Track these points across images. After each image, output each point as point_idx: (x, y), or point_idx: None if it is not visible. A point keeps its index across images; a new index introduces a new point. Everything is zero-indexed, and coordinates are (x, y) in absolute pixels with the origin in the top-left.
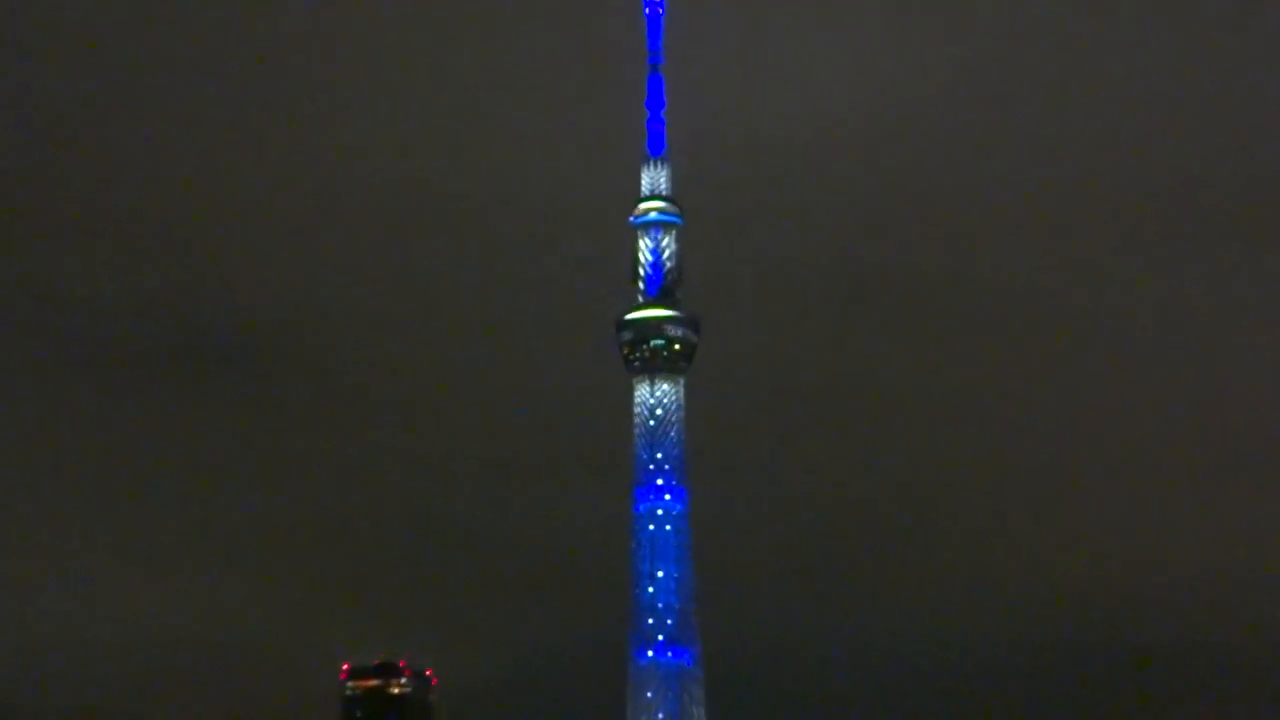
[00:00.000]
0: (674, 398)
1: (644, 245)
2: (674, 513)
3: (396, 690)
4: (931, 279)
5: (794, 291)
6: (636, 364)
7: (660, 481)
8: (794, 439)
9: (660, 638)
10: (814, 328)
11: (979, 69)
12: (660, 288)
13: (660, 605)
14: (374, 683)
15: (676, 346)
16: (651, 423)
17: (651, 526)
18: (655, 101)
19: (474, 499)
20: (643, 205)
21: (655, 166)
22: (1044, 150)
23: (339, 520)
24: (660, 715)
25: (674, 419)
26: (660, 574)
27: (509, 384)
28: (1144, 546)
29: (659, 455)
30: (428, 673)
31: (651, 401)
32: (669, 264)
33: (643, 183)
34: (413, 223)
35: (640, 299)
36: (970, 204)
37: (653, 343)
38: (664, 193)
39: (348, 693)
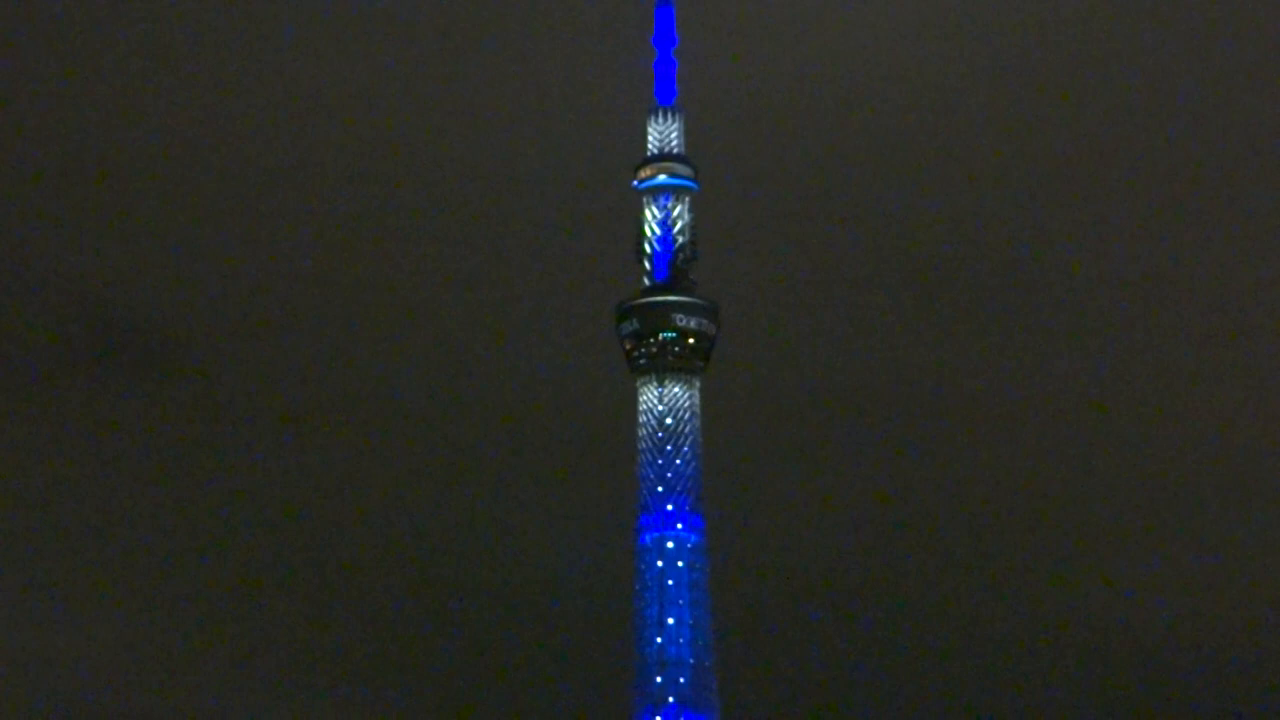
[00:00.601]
0: (688, 404)
1: (650, 215)
2: (688, 545)
3: None
4: (995, 262)
5: (833, 275)
6: (641, 362)
7: (671, 507)
8: (833, 454)
9: (671, 700)
10: (857, 318)
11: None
12: (670, 268)
13: (670, 659)
14: None
15: (691, 340)
16: (660, 435)
17: (660, 563)
18: (664, 39)
19: (441, 528)
20: (649, 166)
21: (664, 118)
22: (1114, 115)
23: (276, 562)
24: None
25: (687, 430)
26: (671, 621)
27: (482, 388)
28: (1244, 571)
29: (669, 475)
30: None
31: (660, 408)
32: (681, 238)
33: (649, 138)
34: (369, 195)
35: (646, 281)
36: (1041, 179)
37: (662, 335)
38: (675, 151)
39: None
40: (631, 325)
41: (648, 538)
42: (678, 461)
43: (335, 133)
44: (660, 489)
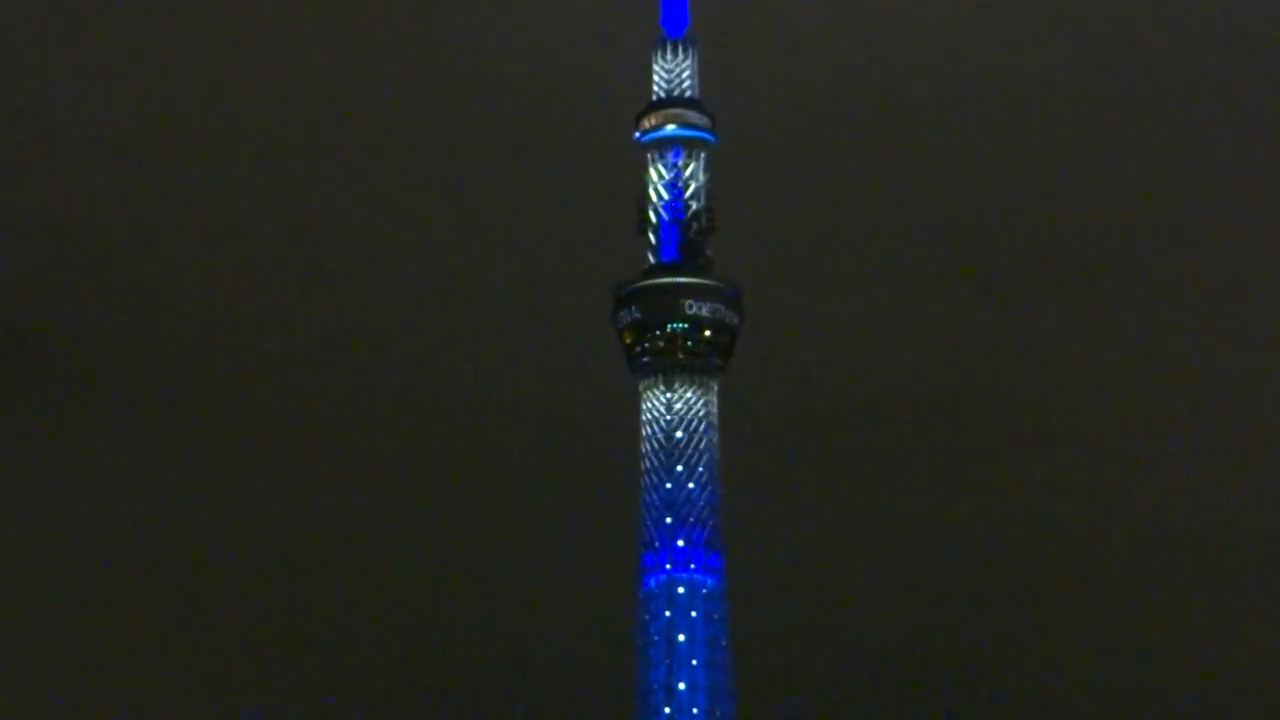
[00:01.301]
0: (702, 413)
1: (656, 175)
2: (703, 591)
3: None
4: (1068, 250)
5: (883, 254)
6: (646, 360)
7: (682, 544)
8: (885, 476)
9: None
10: (913, 310)
11: None
12: (681, 242)
13: None
14: None
15: (706, 333)
16: (668, 452)
17: (668, 613)
18: None
19: (400, 574)
20: (654, 114)
21: (674, 54)
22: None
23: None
24: None
25: (703, 446)
26: (682, 686)
27: (444, 393)
28: None
29: (679, 503)
30: None
31: (668, 419)
32: (694, 205)
33: (655, 78)
34: (314, 148)
35: (650, 259)
36: (1126, 154)
37: (670, 327)
38: (687, 95)
39: None
40: (632, 314)
41: (653, 582)
42: (690, 485)
43: (276, 81)
44: (669, 520)
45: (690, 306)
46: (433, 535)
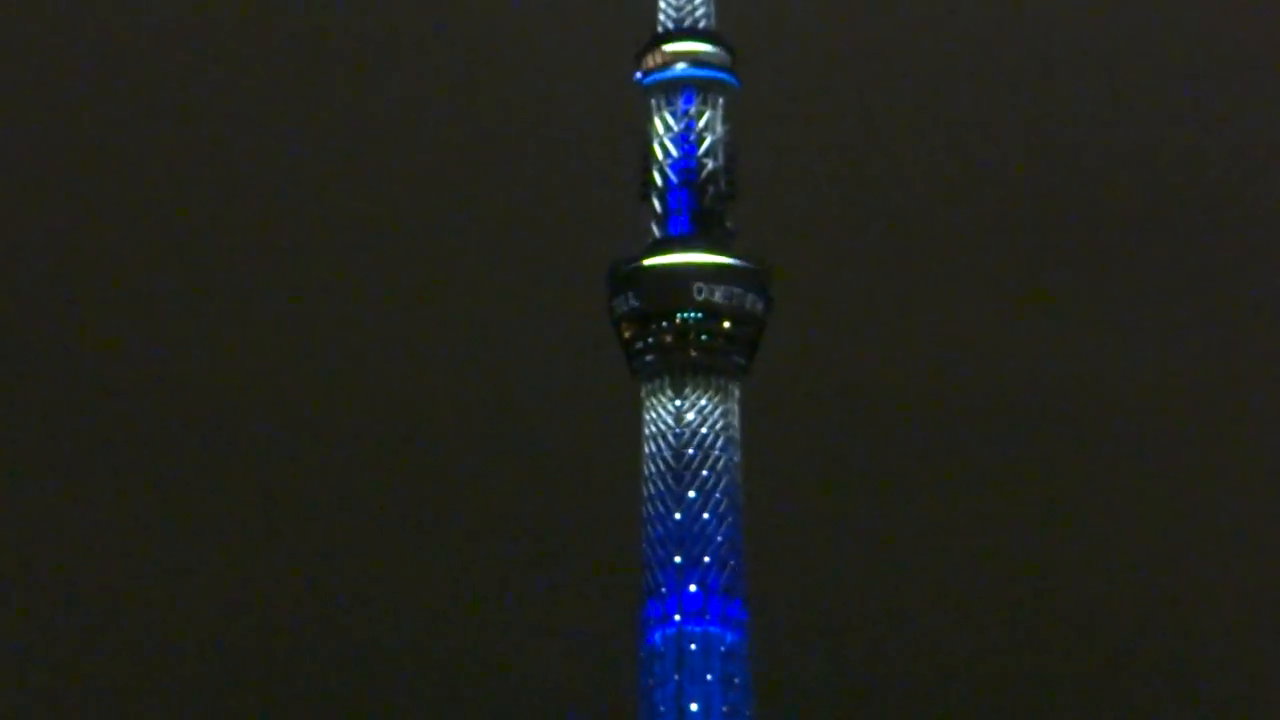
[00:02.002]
0: (720, 425)
1: (662, 127)
2: (720, 648)
3: None
4: (1160, 221)
5: (946, 221)
6: (648, 359)
7: (695, 589)
8: (944, 501)
9: None
10: (982, 293)
11: None
12: (695, 210)
13: None
14: None
15: (726, 324)
16: (678, 474)
17: (677, 676)
18: None
19: (360, 618)
20: (660, 50)
21: None
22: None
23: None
24: None
25: (721, 466)
26: None
27: (402, 396)
28: None
29: (692, 538)
30: None
31: (678, 431)
32: (711, 164)
33: (661, 5)
34: (264, 102)
35: (655, 231)
36: (1223, 103)
37: (680, 317)
38: (701, 25)
39: None
40: (632, 301)
41: (658, 637)
42: (705, 516)
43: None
44: (678, 559)
45: (705, 291)
46: (408, 582)
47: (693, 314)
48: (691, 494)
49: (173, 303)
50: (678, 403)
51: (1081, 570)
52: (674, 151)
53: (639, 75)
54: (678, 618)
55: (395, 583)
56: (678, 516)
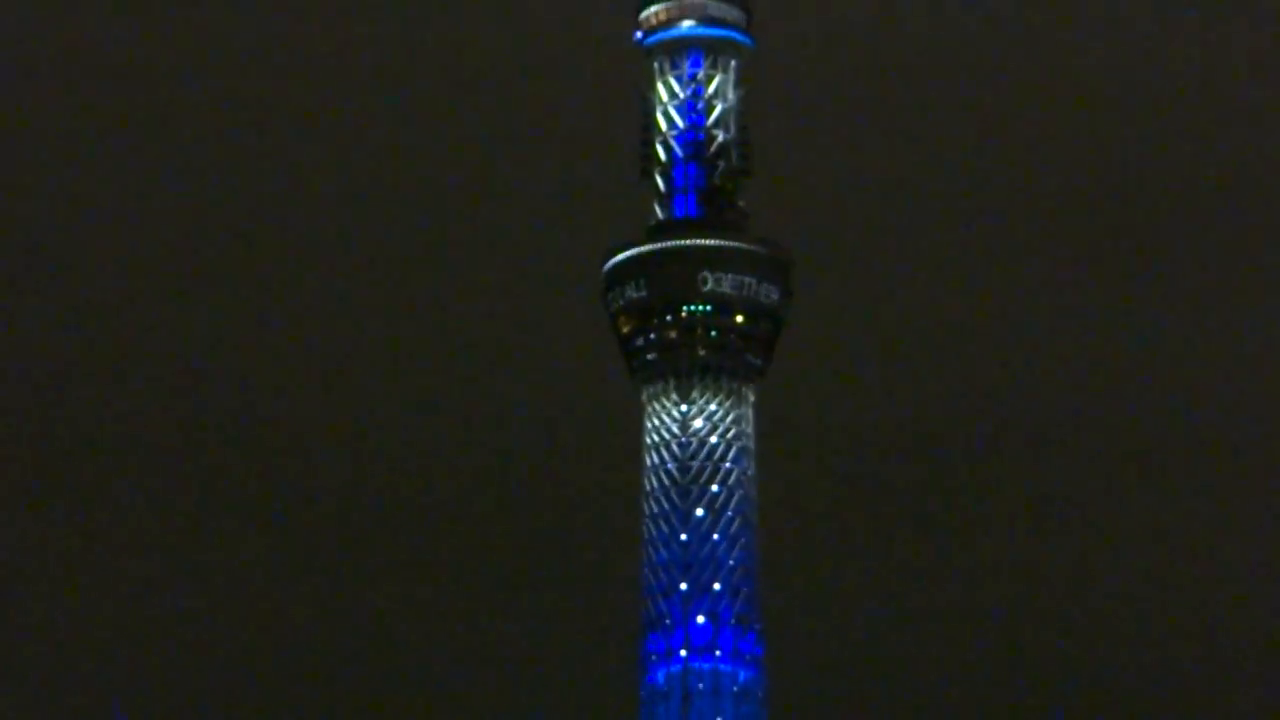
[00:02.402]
0: (732, 433)
1: (666, 93)
2: (733, 687)
3: None
4: (1228, 201)
5: (985, 199)
6: (649, 358)
7: (703, 620)
8: (982, 516)
9: None
10: (1024, 282)
11: None
12: (704, 189)
13: None
14: None
15: (738, 319)
16: (683, 489)
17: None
18: None
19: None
20: (664, 6)
21: None
22: None
23: None
24: None
25: (733, 481)
26: None
27: (369, 402)
28: None
29: (699, 563)
30: None
31: (684, 441)
32: (721, 136)
33: None
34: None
35: (659, 213)
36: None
37: (686, 310)
38: None
39: None
40: (631, 292)
41: (661, 675)
42: (715, 537)
43: None
44: (683, 587)
45: (714, 280)
46: (367, 606)
47: (700, 307)
48: (699, 512)
49: (166, 303)
50: (683, 408)
51: (1122, 601)
52: (679, 121)
53: (639, 34)
54: (684, 653)
55: (361, 623)
56: (683, 538)
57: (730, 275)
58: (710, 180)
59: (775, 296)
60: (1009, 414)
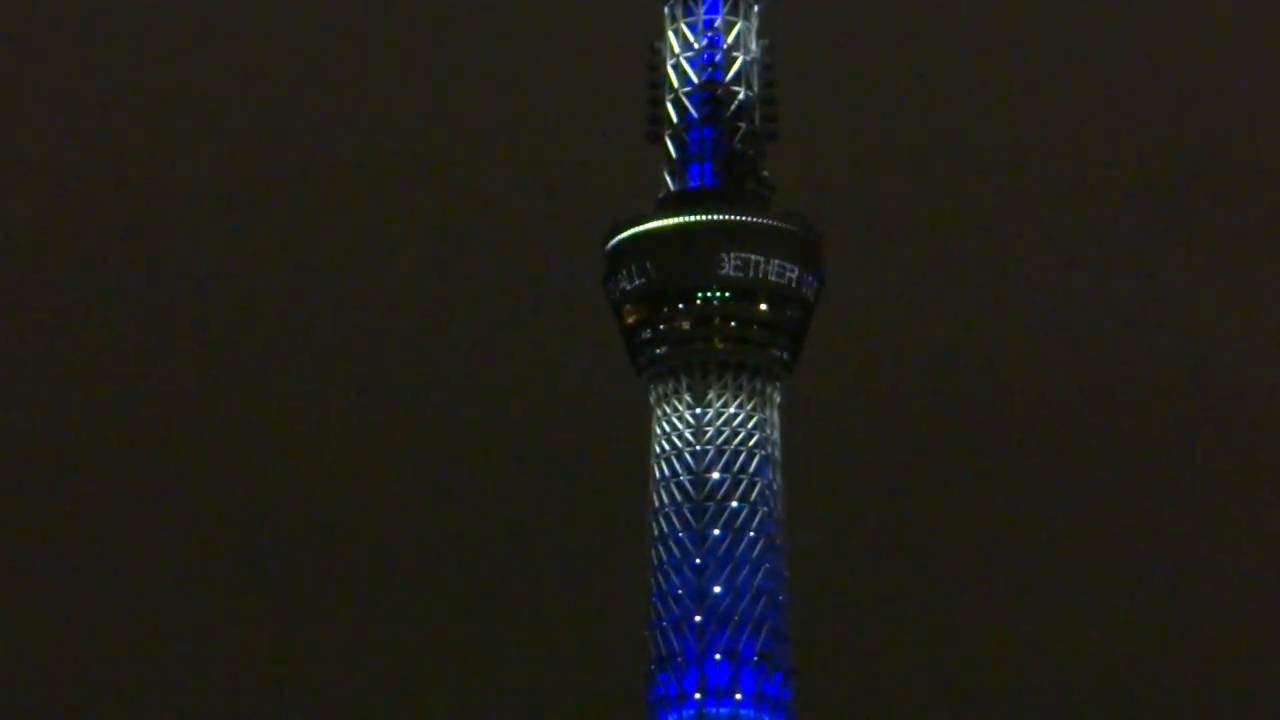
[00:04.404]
0: (755, 440)
1: (680, 45)
2: None
3: None
4: None
5: (1045, 168)
6: (659, 351)
7: (719, 656)
8: (1039, 529)
9: None
10: (1077, 259)
11: None
12: (722, 156)
13: None
14: None
15: (761, 307)
16: (699, 505)
17: None
18: None
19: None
20: None
21: None
22: None
23: None
24: None
25: (756, 495)
26: None
27: (348, 402)
28: None
29: (716, 593)
30: None
31: (699, 449)
32: (742, 94)
33: None
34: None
35: (670, 183)
36: None
37: (700, 297)
38: None
39: None
40: (637, 276)
41: None
42: (735, 562)
43: None
44: (698, 619)
45: (733, 262)
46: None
47: (717, 293)
48: (716, 532)
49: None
50: (698, 411)
51: (1175, 633)
52: (694, 77)
53: None
54: (698, 696)
55: (350, 667)
56: (698, 561)
57: (752, 256)
58: (729, 145)
59: (806, 281)
60: (1049, 409)
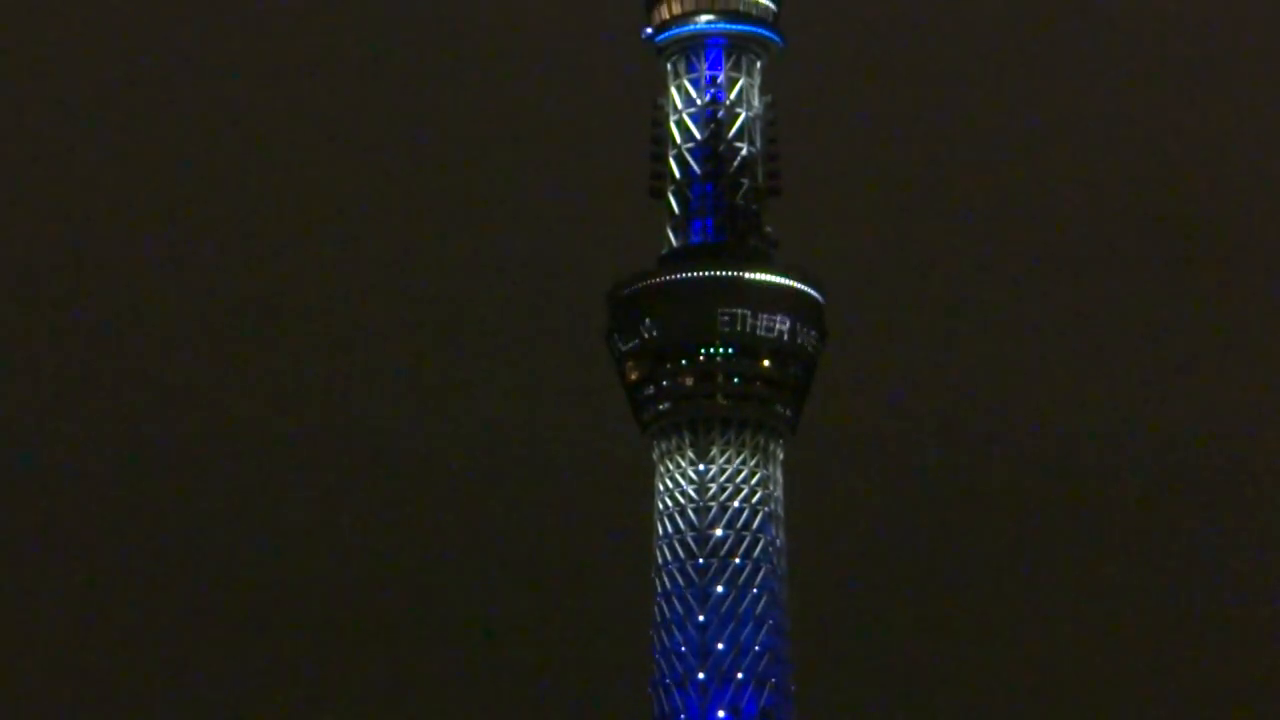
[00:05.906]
0: (759, 496)
1: (683, 100)
2: None
3: None
4: None
5: (1047, 221)
6: (662, 408)
7: (723, 714)
8: (1049, 592)
9: None
10: (1066, 319)
11: None
12: (725, 211)
13: None
14: None
15: (765, 364)
16: (702, 562)
17: None
18: None
19: None
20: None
21: None
22: None
23: None
24: None
25: (759, 552)
26: None
27: (337, 440)
28: None
29: (720, 649)
30: None
31: (701, 505)
32: (746, 150)
33: None
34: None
35: (673, 239)
36: None
37: (704, 354)
38: None
39: None
40: (640, 332)
41: None
42: (738, 619)
43: None
44: (701, 676)
45: (736, 319)
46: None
47: (720, 349)
48: (719, 589)
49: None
50: (701, 467)
51: (1197, 668)
52: (696, 133)
53: (649, 30)
54: None
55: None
56: (701, 620)
57: (755, 312)
58: (732, 202)
59: (809, 337)
60: (1060, 464)
